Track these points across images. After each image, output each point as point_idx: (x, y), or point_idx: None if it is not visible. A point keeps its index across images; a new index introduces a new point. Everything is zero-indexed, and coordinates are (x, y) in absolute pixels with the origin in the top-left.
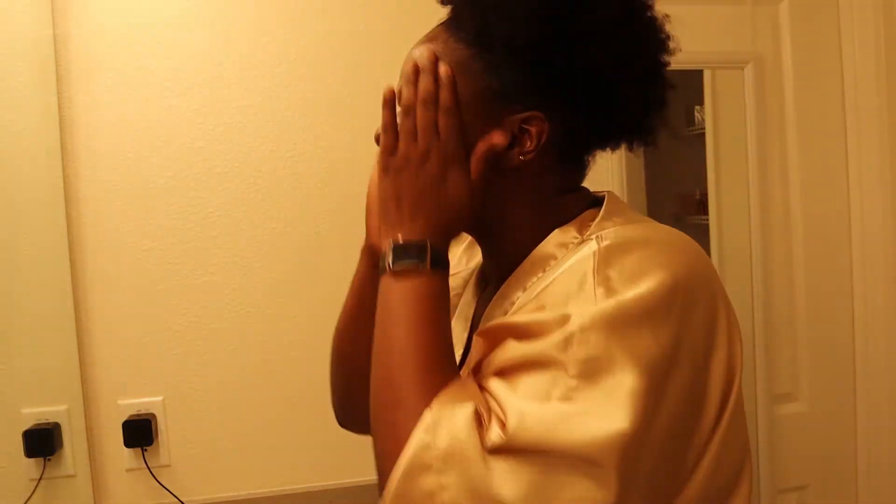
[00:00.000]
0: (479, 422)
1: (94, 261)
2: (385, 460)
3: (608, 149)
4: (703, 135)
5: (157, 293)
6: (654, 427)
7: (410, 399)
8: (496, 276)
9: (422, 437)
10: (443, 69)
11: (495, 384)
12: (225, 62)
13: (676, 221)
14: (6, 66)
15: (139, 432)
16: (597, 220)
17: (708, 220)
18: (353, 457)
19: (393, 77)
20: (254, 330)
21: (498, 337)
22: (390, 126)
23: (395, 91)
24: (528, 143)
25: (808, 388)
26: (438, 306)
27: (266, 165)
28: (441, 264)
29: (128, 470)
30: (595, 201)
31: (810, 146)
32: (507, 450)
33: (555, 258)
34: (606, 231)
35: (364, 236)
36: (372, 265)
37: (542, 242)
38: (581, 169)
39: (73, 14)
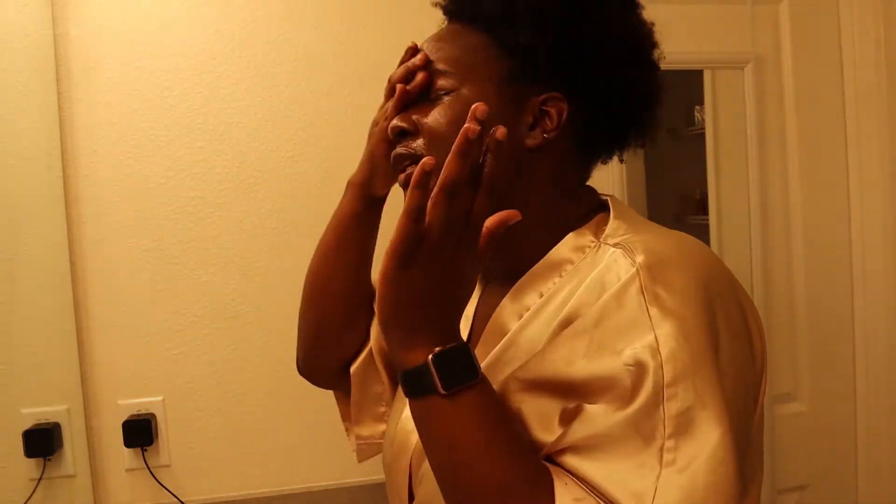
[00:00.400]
0: None
1: (94, 261)
2: None
3: (615, 151)
4: (703, 135)
5: (157, 293)
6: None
7: None
8: (502, 272)
9: None
10: (500, 132)
11: (589, 468)
12: (225, 62)
13: (676, 221)
14: (6, 66)
15: (139, 432)
16: (609, 223)
17: (708, 220)
18: (353, 457)
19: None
20: (254, 330)
21: (557, 391)
22: (421, 211)
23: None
24: (549, 123)
25: (808, 388)
26: (502, 412)
27: (266, 165)
28: (465, 374)
29: (128, 470)
30: (601, 205)
31: (810, 146)
32: None
33: (571, 263)
34: (629, 240)
35: (352, 171)
36: (359, 202)
37: (558, 245)
38: (590, 165)
39: (73, 14)
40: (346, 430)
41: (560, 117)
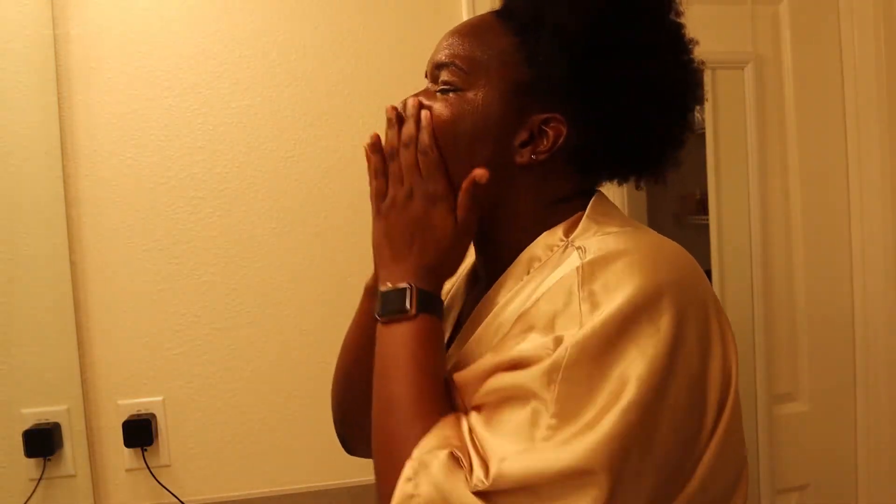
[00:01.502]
0: (459, 464)
1: (94, 261)
2: None
3: (615, 180)
4: (703, 135)
5: (157, 293)
6: (655, 437)
7: (399, 449)
8: (487, 275)
9: (403, 487)
10: (423, 114)
11: (475, 421)
12: (225, 62)
13: (676, 221)
14: (6, 66)
15: (139, 432)
16: (581, 222)
17: (708, 220)
18: (353, 457)
19: (392, 76)
20: (254, 330)
21: (489, 373)
22: (380, 171)
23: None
24: (544, 144)
25: (808, 388)
26: (427, 350)
27: (266, 165)
28: (429, 307)
29: (128, 470)
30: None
31: (810, 146)
32: (491, 494)
33: (539, 260)
34: (589, 242)
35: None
36: (371, 304)
37: (531, 244)
38: (587, 181)
39: (73, 14)
40: None
41: (556, 141)
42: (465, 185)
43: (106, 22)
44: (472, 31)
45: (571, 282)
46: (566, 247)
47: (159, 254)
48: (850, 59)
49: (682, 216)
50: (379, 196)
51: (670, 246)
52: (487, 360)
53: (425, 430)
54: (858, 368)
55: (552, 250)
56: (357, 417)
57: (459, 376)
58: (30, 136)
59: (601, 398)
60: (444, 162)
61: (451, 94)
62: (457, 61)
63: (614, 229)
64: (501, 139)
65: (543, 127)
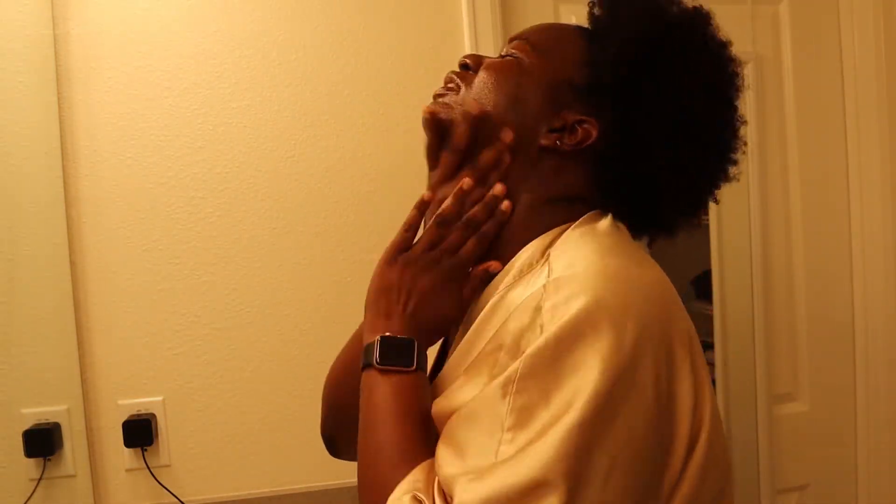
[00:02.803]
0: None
1: (94, 261)
2: None
3: (621, 218)
4: None
5: (157, 293)
6: (615, 449)
7: (378, 494)
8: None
9: None
10: (505, 205)
11: (439, 455)
12: (225, 62)
13: None
14: (6, 66)
15: (139, 432)
16: (565, 234)
17: (708, 220)
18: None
19: (392, 76)
20: (253, 330)
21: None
22: (413, 226)
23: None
24: (571, 138)
25: (808, 388)
26: (418, 402)
27: (266, 165)
28: (422, 366)
29: (128, 470)
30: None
31: (810, 146)
32: None
33: (522, 273)
34: (562, 259)
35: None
36: None
37: (520, 251)
38: (598, 195)
39: (73, 14)
40: None
41: (583, 140)
42: (477, 271)
43: (106, 22)
44: (554, 26)
45: (538, 298)
46: (545, 261)
47: (159, 254)
48: (850, 59)
49: None
50: (399, 247)
51: (647, 272)
52: (455, 397)
53: (405, 476)
54: (858, 368)
55: (533, 265)
56: (345, 419)
57: (435, 407)
58: (30, 136)
59: (555, 406)
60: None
61: (508, 59)
62: (530, 38)
63: (594, 248)
64: (534, 116)
65: (576, 125)
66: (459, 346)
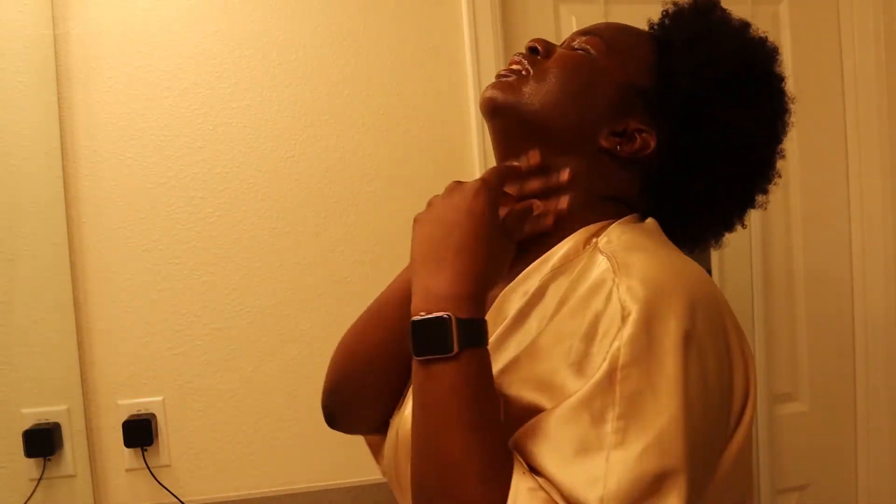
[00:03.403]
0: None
1: (94, 261)
2: None
3: (663, 218)
4: None
5: (157, 293)
6: (705, 432)
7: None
8: (520, 259)
9: None
10: (566, 199)
11: (544, 454)
12: (225, 62)
13: None
14: (6, 66)
15: (139, 432)
16: (611, 228)
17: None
18: (354, 457)
19: (392, 76)
20: (253, 330)
21: (543, 390)
22: (502, 179)
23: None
24: (630, 145)
25: (808, 388)
26: (480, 394)
27: (266, 165)
28: (473, 337)
29: (128, 470)
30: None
31: (810, 146)
32: None
33: (569, 259)
34: (616, 249)
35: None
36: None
37: (563, 241)
38: (644, 201)
39: (73, 14)
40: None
41: (641, 149)
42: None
43: (106, 22)
44: (628, 28)
45: (608, 283)
46: (594, 248)
47: (159, 254)
48: (850, 59)
49: None
50: (503, 173)
51: (700, 270)
52: (527, 396)
53: (504, 493)
54: (858, 368)
55: (580, 251)
56: (353, 390)
57: (507, 379)
58: (30, 136)
59: (661, 393)
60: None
61: (580, 52)
62: (603, 35)
63: (647, 238)
64: (599, 114)
65: (636, 133)
66: (497, 333)
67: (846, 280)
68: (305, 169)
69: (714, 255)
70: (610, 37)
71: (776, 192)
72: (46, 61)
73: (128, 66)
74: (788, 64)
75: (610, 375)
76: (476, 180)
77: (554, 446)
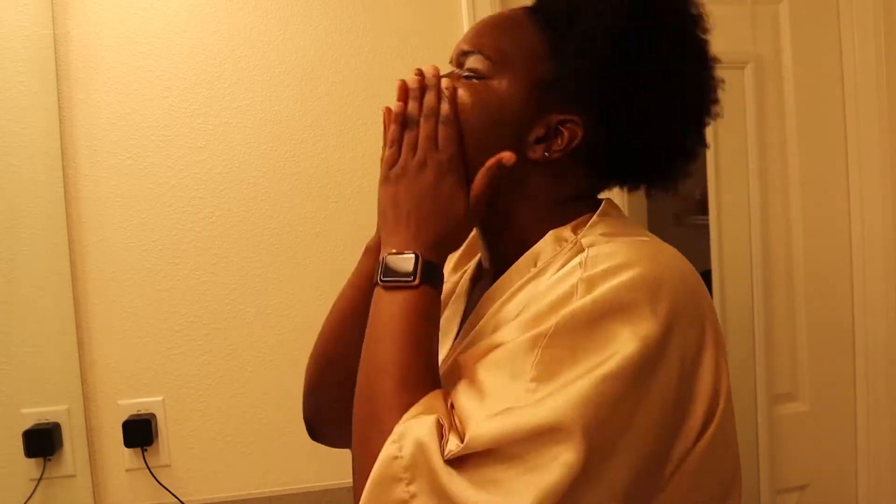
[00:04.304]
0: (441, 432)
1: (94, 261)
2: (359, 477)
3: (626, 186)
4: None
5: (157, 293)
6: (636, 418)
7: (385, 415)
8: (492, 269)
9: (389, 448)
10: (445, 83)
11: (458, 391)
12: (225, 62)
13: (676, 221)
14: (6, 66)
15: (139, 432)
16: (590, 222)
17: (708, 220)
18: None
19: (392, 76)
20: (254, 330)
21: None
22: (396, 140)
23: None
24: (558, 143)
25: (808, 388)
26: (424, 321)
27: (266, 165)
28: (432, 279)
29: (128, 470)
30: (594, 207)
31: (810, 146)
32: (465, 456)
33: (546, 255)
34: (596, 239)
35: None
36: (370, 264)
37: (540, 241)
38: (599, 183)
39: (73, 14)
40: None
41: (570, 143)
42: (489, 162)
43: (106, 22)
44: (502, 22)
45: (575, 272)
46: (574, 243)
47: (159, 254)
48: (850, 59)
49: (682, 216)
50: (390, 163)
51: (677, 256)
52: (483, 344)
53: (414, 399)
54: (858, 368)
55: (560, 246)
56: (329, 401)
57: (460, 358)
58: (30, 135)
59: (583, 365)
60: (461, 137)
61: (475, 81)
62: (484, 49)
63: (623, 230)
64: (518, 132)
65: (560, 127)
66: (475, 329)
67: (846, 280)
68: (305, 169)
69: (714, 256)
70: (490, 47)
71: (776, 193)
72: (46, 61)
73: (128, 65)
74: (788, 64)
75: (536, 339)
76: (445, 164)
77: (472, 388)
